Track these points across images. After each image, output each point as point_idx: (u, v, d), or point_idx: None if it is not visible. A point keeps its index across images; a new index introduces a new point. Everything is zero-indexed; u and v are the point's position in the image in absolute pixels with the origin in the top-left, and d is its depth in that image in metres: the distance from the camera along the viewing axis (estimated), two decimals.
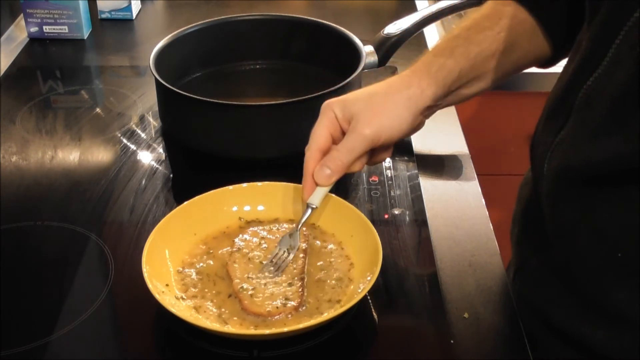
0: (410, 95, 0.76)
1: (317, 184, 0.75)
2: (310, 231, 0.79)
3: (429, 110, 0.79)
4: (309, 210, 0.76)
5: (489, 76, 0.79)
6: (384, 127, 0.74)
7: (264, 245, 0.77)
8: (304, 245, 0.76)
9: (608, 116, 0.61)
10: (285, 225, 0.80)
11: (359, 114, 0.74)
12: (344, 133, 0.76)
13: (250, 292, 0.71)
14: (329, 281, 0.73)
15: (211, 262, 0.76)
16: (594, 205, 0.65)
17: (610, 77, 0.61)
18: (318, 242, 0.78)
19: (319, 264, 0.75)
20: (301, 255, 0.75)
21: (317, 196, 0.76)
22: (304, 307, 0.70)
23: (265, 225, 0.80)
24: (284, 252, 0.75)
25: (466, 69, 0.77)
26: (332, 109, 0.76)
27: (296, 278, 0.72)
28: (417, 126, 0.80)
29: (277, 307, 0.69)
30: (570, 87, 0.67)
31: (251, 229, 0.79)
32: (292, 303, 0.70)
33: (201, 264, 0.76)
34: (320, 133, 0.75)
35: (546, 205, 0.71)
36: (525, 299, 0.77)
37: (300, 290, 0.71)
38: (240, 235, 0.78)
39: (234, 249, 0.76)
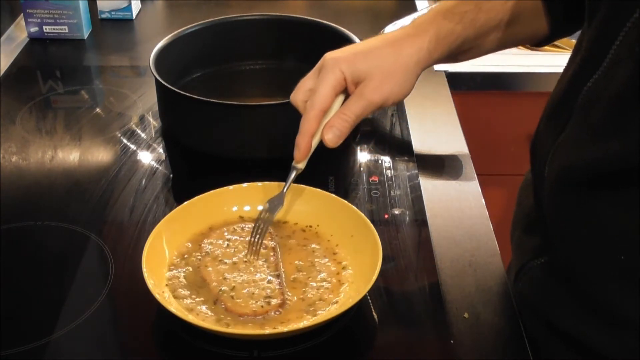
0: (420, 58, 0.75)
1: (327, 145, 0.73)
2: (308, 232, 0.79)
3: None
4: (294, 172, 0.76)
5: (488, 46, 0.80)
6: (393, 92, 0.74)
7: (233, 244, 0.77)
8: (272, 244, 0.76)
9: (609, 117, 0.61)
10: (243, 225, 0.80)
11: (369, 77, 0.73)
12: (346, 92, 0.75)
13: (231, 294, 0.71)
14: (324, 282, 0.73)
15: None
16: (596, 207, 0.64)
17: (611, 78, 0.60)
18: (313, 245, 0.78)
19: (313, 262, 0.76)
20: (271, 254, 0.75)
21: (306, 159, 0.75)
22: (287, 304, 0.70)
23: (229, 225, 0.80)
24: (259, 225, 0.76)
25: (471, 37, 0.77)
26: (340, 68, 0.73)
27: (271, 276, 0.73)
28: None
29: (262, 307, 0.69)
30: (571, 88, 0.67)
31: (216, 231, 0.79)
32: (276, 300, 0.70)
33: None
34: (326, 93, 0.73)
35: (547, 207, 0.71)
36: (526, 300, 0.76)
37: (279, 287, 0.71)
38: (206, 240, 0.78)
39: (203, 254, 0.76)
